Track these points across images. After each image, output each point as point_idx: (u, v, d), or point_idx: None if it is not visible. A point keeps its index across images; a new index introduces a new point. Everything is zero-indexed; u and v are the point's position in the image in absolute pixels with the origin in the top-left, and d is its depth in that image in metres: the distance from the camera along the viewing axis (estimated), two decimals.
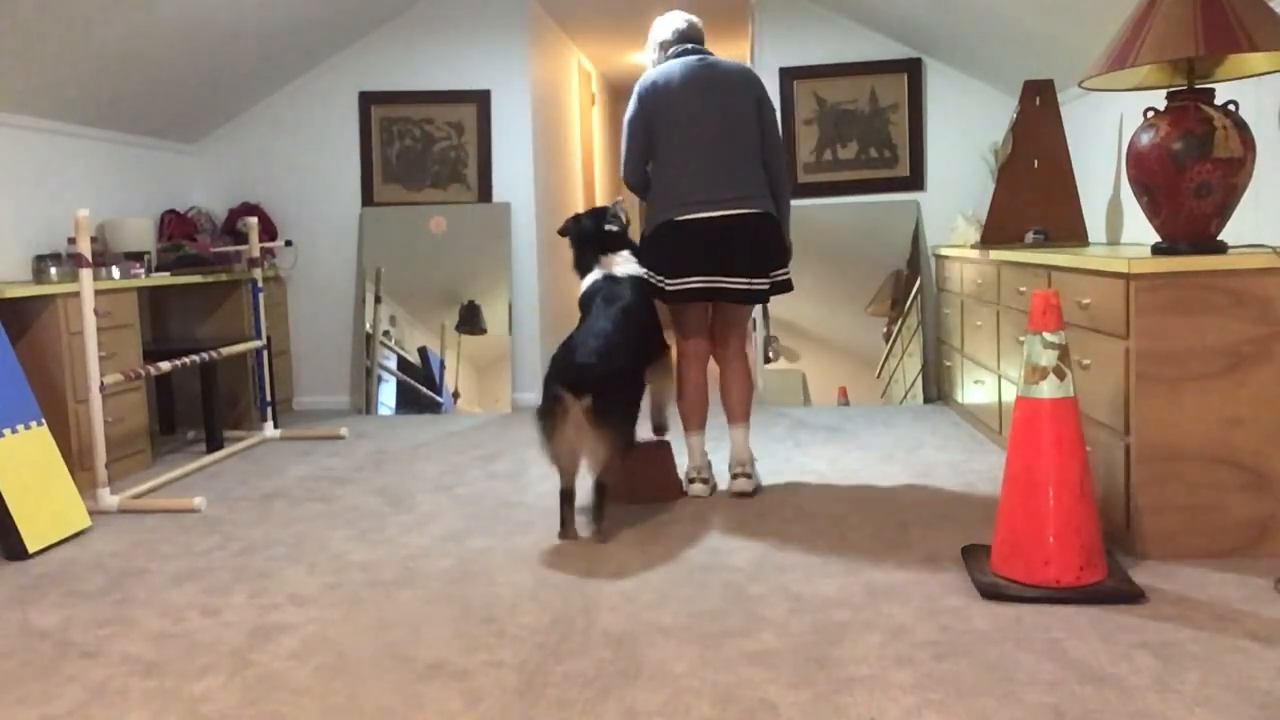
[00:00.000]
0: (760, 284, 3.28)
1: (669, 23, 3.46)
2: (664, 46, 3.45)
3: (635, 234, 3.50)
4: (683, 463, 3.91)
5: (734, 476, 3.40)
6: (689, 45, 3.41)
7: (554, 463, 2.99)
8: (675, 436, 4.45)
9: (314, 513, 3.39)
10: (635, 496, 3.36)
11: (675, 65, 3.34)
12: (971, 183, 5.30)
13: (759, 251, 3.26)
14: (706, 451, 3.52)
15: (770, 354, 5.21)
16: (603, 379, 2.90)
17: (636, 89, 3.37)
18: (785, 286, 3.39)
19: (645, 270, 3.35)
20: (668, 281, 3.29)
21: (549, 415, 2.93)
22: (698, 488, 3.43)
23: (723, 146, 3.26)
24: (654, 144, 3.33)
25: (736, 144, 3.27)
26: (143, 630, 2.38)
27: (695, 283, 3.26)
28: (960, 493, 3.36)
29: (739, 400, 3.43)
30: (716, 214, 3.23)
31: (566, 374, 2.92)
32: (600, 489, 2.97)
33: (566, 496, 3.02)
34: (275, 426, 4.76)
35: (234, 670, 2.13)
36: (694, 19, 3.48)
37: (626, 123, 3.38)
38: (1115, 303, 2.67)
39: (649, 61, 3.53)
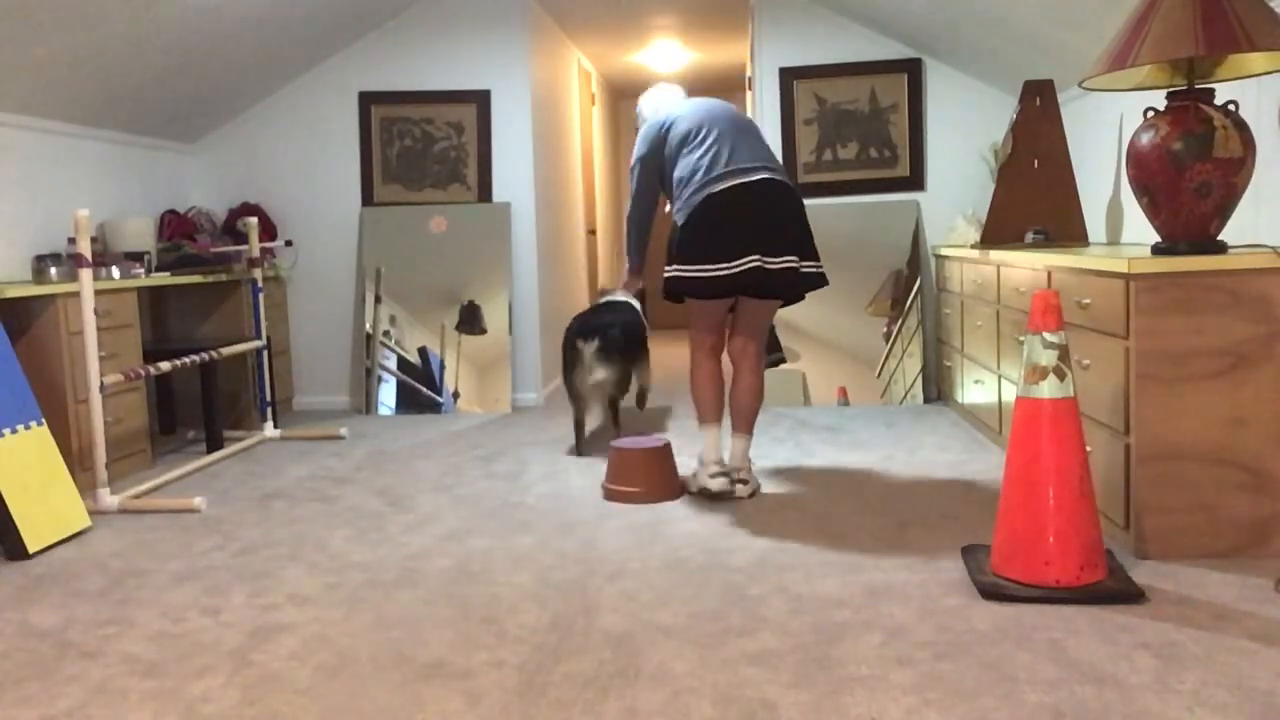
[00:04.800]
0: (810, 267, 3.21)
1: (665, 93, 3.56)
2: (659, 109, 3.51)
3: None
4: (682, 462, 3.91)
5: (731, 483, 3.39)
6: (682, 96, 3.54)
7: (573, 395, 4.11)
8: (674, 436, 4.45)
9: (314, 513, 3.39)
10: (636, 497, 3.36)
11: (675, 103, 3.47)
12: (971, 183, 5.30)
13: (802, 231, 3.21)
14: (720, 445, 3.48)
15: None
16: (604, 330, 4.06)
17: (641, 131, 3.45)
18: (821, 279, 3.32)
19: (682, 267, 3.19)
20: (713, 268, 3.12)
21: (568, 358, 4.09)
22: (721, 482, 3.31)
23: (740, 135, 3.27)
24: (670, 155, 3.32)
25: (752, 133, 3.31)
26: (143, 630, 2.38)
27: (750, 262, 3.11)
28: (960, 493, 3.36)
29: (748, 410, 3.39)
30: (753, 179, 3.17)
31: (579, 329, 4.11)
32: (613, 403, 4.22)
33: (579, 425, 4.18)
34: (275, 426, 4.76)
35: (234, 670, 2.13)
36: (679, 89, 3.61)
37: (636, 160, 3.40)
38: (1115, 303, 2.67)
39: (649, 119, 3.51)
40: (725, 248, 3.13)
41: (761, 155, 3.25)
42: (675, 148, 3.31)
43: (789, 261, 3.15)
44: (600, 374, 4.02)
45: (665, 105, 3.48)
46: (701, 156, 3.23)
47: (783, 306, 3.43)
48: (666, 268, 3.28)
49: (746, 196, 3.15)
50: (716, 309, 3.32)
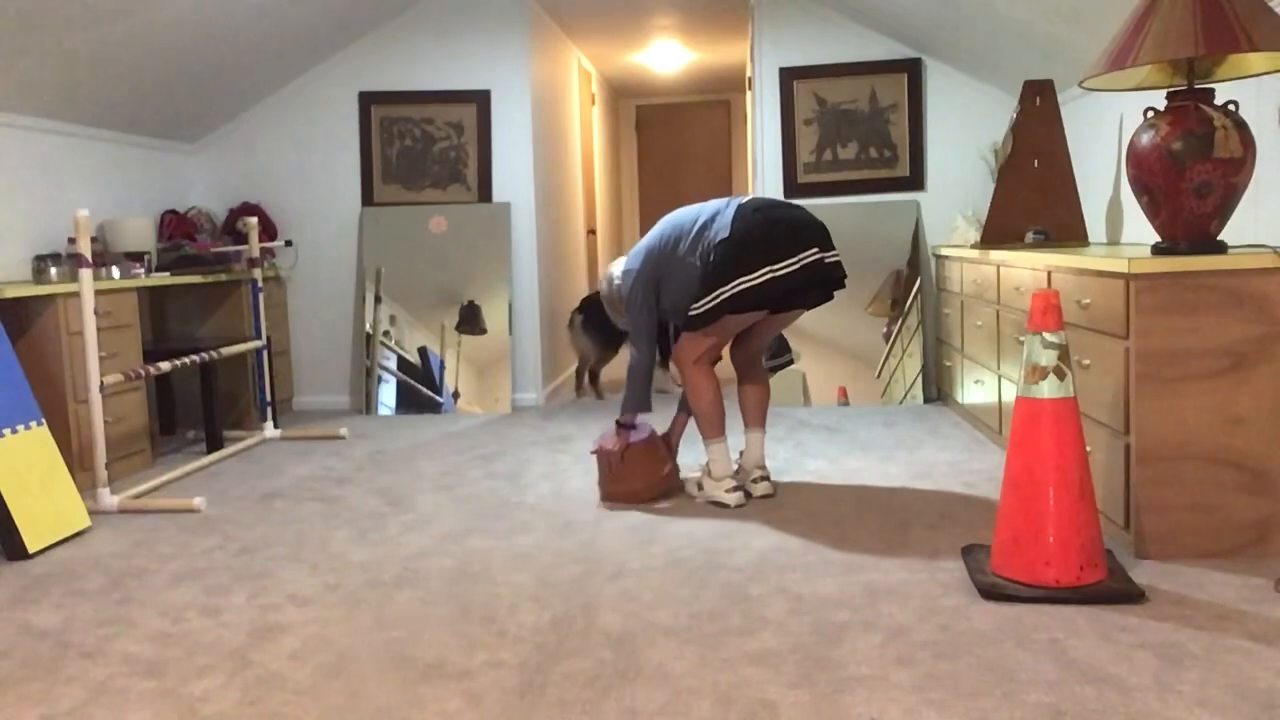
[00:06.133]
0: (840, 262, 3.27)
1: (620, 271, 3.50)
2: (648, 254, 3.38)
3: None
4: (685, 462, 3.90)
5: (755, 480, 3.39)
6: None
7: (576, 351, 5.62)
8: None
9: (314, 513, 3.39)
10: (634, 497, 3.36)
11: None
12: (971, 183, 5.30)
13: (826, 233, 3.25)
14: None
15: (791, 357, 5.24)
16: (589, 308, 5.50)
17: (626, 270, 3.38)
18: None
19: (746, 278, 3.09)
20: (779, 267, 3.09)
21: (569, 323, 5.61)
22: (737, 496, 3.26)
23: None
24: (668, 258, 3.27)
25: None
26: (143, 630, 2.38)
27: (812, 255, 3.12)
28: (960, 493, 3.36)
29: (763, 406, 3.44)
30: (765, 202, 3.23)
31: (576, 306, 5.59)
32: (593, 375, 5.66)
33: (579, 373, 5.65)
34: (275, 426, 4.76)
35: (234, 670, 2.13)
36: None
37: (634, 293, 3.32)
38: (1115, 303, 2.67)
39: (635, 261, 3.39)
40: (786, 245, 3.12)
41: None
42: (671, 247, 3.27)
43: (836, 255, 3.23)
44: (580, 339, 5.56)
45: (634, 251, 3.40)
46: (708, 212, 3.26)
47: (806, 310, 3.39)
48: (720, 289, 3.10)
49: (776, 204, 3.22)
50: (746, 322, 3.24)
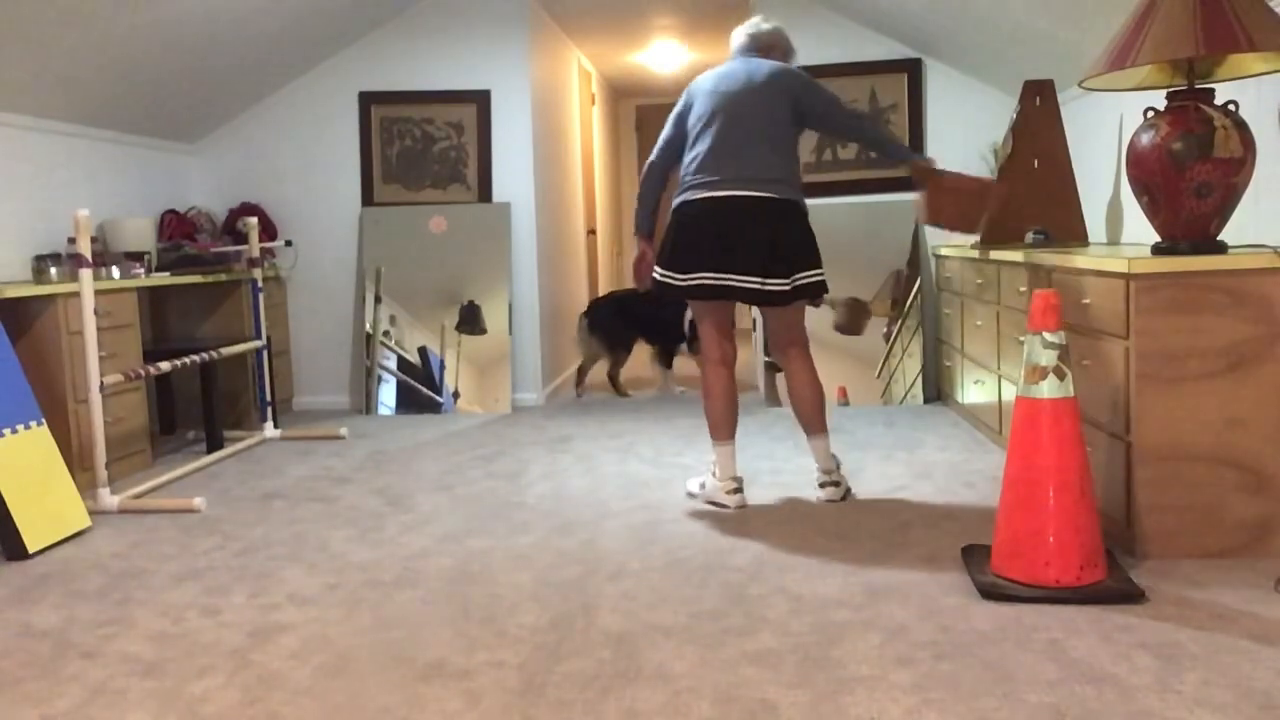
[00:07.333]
0: (775, 285, 3.13)
1: (738, 31, 3.47)
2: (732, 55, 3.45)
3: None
4: (686, 463, 3.90)
5: (821, 485, 3.32)
6: (744, 48, 3.41)
7: (585, 355, 5.68)
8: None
9: (314, 513, 3.39)
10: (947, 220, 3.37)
11: (721, 66, 3.36)
12: None
13: (776, 245, 3.13)
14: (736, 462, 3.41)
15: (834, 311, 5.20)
16: (594, 311, 5.66)
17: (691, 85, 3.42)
18: (814, 290, 3.21)
19: (654, 267, 3.30)
20: (678, 277, 3.20)
21: (578, 327, 5.70)
22: (737, 498, 3.26)
23: (737, 131, 3.19)
24: (685, 136, 3.33)
25: (752, 130, 3.19)
26: (143, 630, 2.38)
27: (703, 278, 3.15)
28: (960, 493, 3.36)
29: (812, 408, 3.31)
30: (722, 194, 3.15)
31: (586, 309, 5.71)
32: (612, 378, 5.74)
33: (581, 373, 5.73)
34: (275, 426, 4.76)
35: (234, 670, 2.13)
36: (764, 26, 3.41)
37: (663, 135, 3.41)
38: (1115, 303, 2.67)
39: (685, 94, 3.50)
40: (684, 259, 3.19)
41: (750, 166, 3.17)
42: (689, 132, 3.32)
43: (748, 282, 3.12)
44: (586, 342, 5.66)
45: (704, 78, 3.35)
46: (693, 158, 3.24)
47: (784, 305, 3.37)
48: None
49: (711, 212, 3.17)
50: (709, 309, 3.29)
